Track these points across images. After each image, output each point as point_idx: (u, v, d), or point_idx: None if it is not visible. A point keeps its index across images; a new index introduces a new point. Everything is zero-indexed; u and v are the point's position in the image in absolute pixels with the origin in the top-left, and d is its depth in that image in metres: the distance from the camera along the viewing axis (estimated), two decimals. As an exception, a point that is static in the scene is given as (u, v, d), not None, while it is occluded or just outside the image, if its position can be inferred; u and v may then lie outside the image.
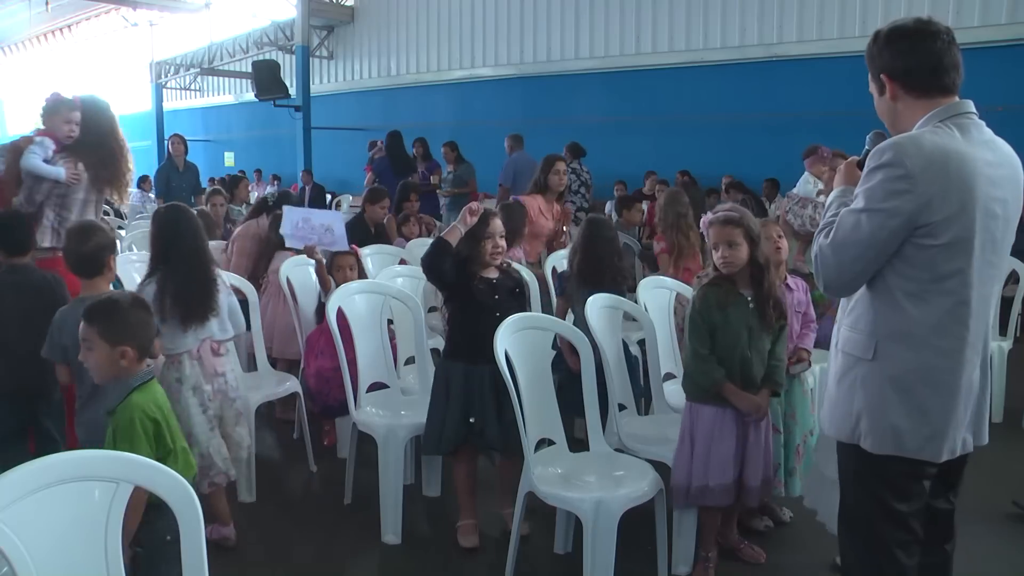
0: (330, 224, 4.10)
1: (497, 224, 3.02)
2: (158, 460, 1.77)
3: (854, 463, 1.97)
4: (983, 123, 1.88)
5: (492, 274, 3.03)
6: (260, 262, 4.61)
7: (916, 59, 1.88)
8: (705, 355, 2.70)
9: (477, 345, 2.86)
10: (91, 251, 2.73)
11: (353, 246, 4.15)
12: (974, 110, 1.88)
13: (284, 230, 4.14)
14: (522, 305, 3.11)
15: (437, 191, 8.49)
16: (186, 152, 8.80)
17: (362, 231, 5.66)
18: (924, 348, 1.83)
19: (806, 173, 5.82)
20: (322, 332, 3.70)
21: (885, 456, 1.88)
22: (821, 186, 5.40)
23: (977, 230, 1.79)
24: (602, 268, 3.58)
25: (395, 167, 8.33)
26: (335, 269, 3.92)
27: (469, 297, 2.98)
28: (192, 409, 2.93)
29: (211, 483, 2.94)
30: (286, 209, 4.28)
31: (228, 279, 3.96)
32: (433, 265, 2.97)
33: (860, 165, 2.05)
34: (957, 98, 1.89)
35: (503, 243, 3.05)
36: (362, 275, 4.02)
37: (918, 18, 1.94)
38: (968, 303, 1.82)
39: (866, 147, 2.07)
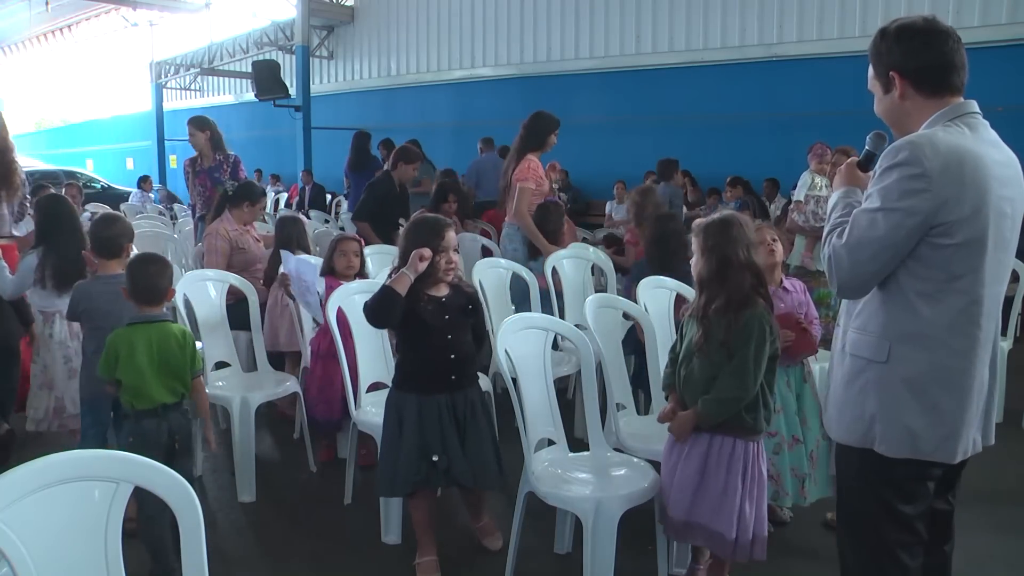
0: (307, 283, 3.78)
1: (451, 237, 2.74)
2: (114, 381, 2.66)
3: (859, 467, 1.94)
4: (987, 123, 1.88)
5: (442, 292, 2.75)
6: (272, 259, 4.56)
7: (929, 57, 1.86)
8: (671, 358, 2.62)
9: (429, 372, 2.71)
10: (111, 236, 3.23)
11: (356, 235, 4.08)
12: (979, 110, 1.88)
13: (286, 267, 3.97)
14: (478, 323, 2.86)
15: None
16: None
17: (386, 187, 5.68)
18: (938, 348, 1.82)
19: (805, 172, 5.83)
20: (325, 334, 3.66)
21: (893, 459, 1.86)
22: (819, 181, 5.42)
23: (990, 229, 1.79)
24: (674, 260, 3.79)
25: (353, 165, 8.35)
26: (338, 254, 3.72)
27: (416, 321, 2.68)
28: (57, 359, 3.59)
29: (61, 424, 3.60)
30: (284, 255, 4.05)
31: (229, 279, 3.99)
32: (379, 318, 2.69)
33: (861, 166, 2.05)
34: (962, 98, 1.88)
35: (457, 258, 2.77)
36: (364, 263, 3.88)
37: (925, 17, 1.91)
38: (980, 302, 1.82)
39: (866, 148, 2.07)
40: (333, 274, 3.70)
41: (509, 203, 4.83)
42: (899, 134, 1.94)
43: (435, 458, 2.66)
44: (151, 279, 2.74)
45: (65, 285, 3.45)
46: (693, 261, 2.51)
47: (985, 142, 1.83)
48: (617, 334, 3.31)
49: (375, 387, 3.41)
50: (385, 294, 2.63)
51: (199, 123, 5.80)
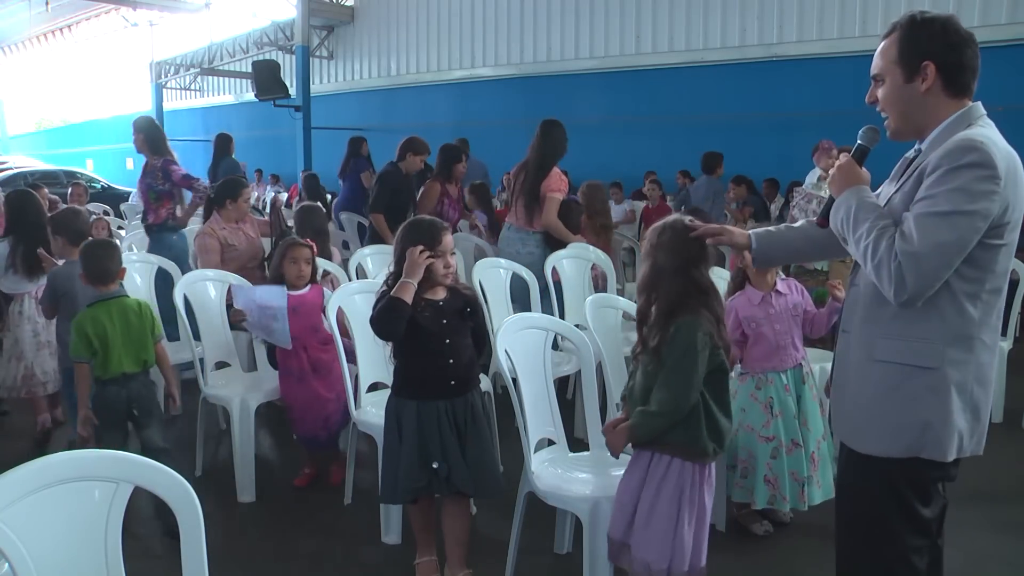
0: (275, 310, 3.45)
1: (448, 241, 2.66)
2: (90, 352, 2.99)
3: (880, 473, 1.88)
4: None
5: (439, 295, 2.67)
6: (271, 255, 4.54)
7: (967, 59, 1.83)
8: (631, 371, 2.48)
9: (427, 378, 2.64)
10: (78, 226, 3.81)
11: (308, 239, 3.75)
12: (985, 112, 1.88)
13: (237, 303, 3.65)
14: (478, 325, 2.77)
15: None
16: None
17: (396, 179, 5.67)
18: (980, 348, 1.82)
19: (813, 170, 5.84)
20: (294, 354, 3.47)
21: (914, 460, 1.83)
22: (815, 179, 5.44)
23: (1018, 226, 1.81)
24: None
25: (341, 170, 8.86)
26: (288, 261, 3.50)
27: (414, 327, 2.59)
28: (26, 333, 4.12)
29: (29, 391, 4.11)
30: (235, 288, 3.77)
31: (229, 279, 3.98)
32: (388, 330, 2.59)
33: (858, 161, 2.01)
34: (970, 102, 1.86)
35: (454, 261, 2.71)
36: (315, 271, 3.67)
37: (950, 15, 1.86)
38: (1003, 298, 1.85)
39: (859, 141, 2.01)
40: (281, 283, 3.53)
41: (538, 213, 4.89)
42: (899, 126, 1.88)
43: (435, 465, 2.60)
44: (102, 262, 3.09)
45: (33, 271, 4.05)
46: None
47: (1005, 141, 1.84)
48: (617, 334, 3.31)
49: (374, 387, 3.41)
50: (392, 304, 2.53)
51: (135, 124, 5.60)
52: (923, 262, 1.71)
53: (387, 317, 2.55)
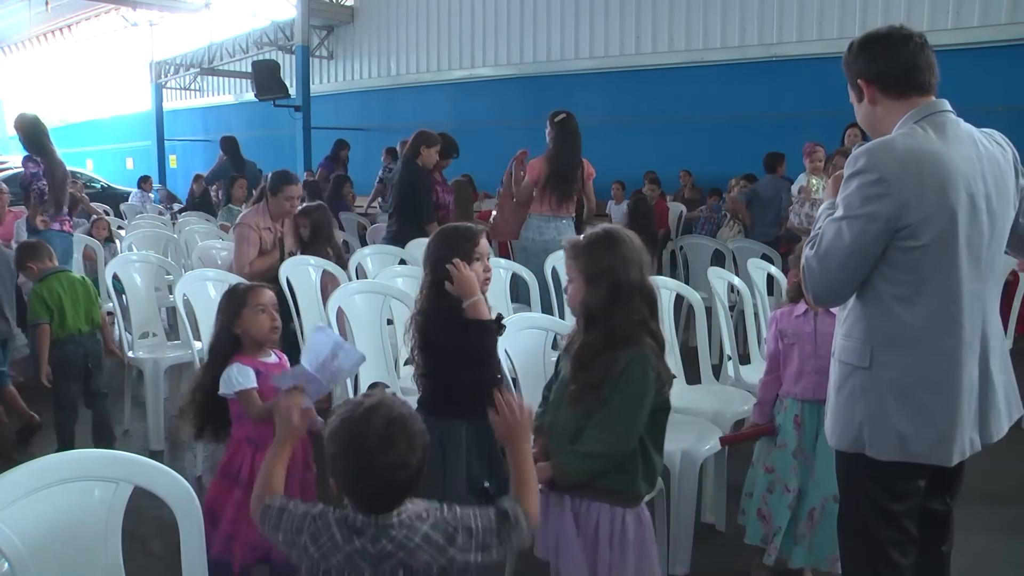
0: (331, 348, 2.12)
1: (485, 244, 2.45)
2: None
3: (848, 466, 1.97)
4: (960, 120, 1.89)
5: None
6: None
7: (890, 61, 1.91)
8: (543, 397, 2.28)
9: (482, 394, 2.26)
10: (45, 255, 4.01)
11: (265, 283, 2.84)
12: (949, 108, 1.89)
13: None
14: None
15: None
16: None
17: (413, 172, 5.67)
18: (920, 350, 1.82)
19: (802, 173, 5.85)
20: (241, 451, 2.40)
21: (862, 456, 1.89)
22: (815, 182, 5.45)
23: (960, 227, 1.78)
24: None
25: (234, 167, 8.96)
26: (252, 311, 2.47)
27: (465, 341, 2.32)
28: None
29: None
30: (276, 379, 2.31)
31: (229, 279, 3.98)
32: (487, 351, 2.36)
33: None
34: (933, 98, 1.90)
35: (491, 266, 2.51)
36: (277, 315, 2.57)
37: (891, 25, 1.97)
38: (959, 300, 1.81)
39: None
40: (244, 351, 2.44)
41: (567, 200, 5.23)
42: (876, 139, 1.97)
43: (486, 485, 2.22)
44: (34, 250, 3.89)
45: None
46: (571, 289, 2.10)
47: (952, 139, 1.83)
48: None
49: (373, 387, 3.41)
50: (483, 330, 2.30)
51: (14, 123, 5.43)
52: (820, 266, 1.86)
53: (490, 341, 2.36)
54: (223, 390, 2.35)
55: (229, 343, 2.45)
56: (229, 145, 9.47)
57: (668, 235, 8.91)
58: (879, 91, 1.93)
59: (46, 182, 5.22)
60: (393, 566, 1.45)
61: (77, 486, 1.49)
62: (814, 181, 5.52)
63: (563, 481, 2.04)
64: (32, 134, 5.38)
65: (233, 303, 2.47)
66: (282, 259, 4.30)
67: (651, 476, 2.09)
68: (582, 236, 2.13)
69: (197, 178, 10.89)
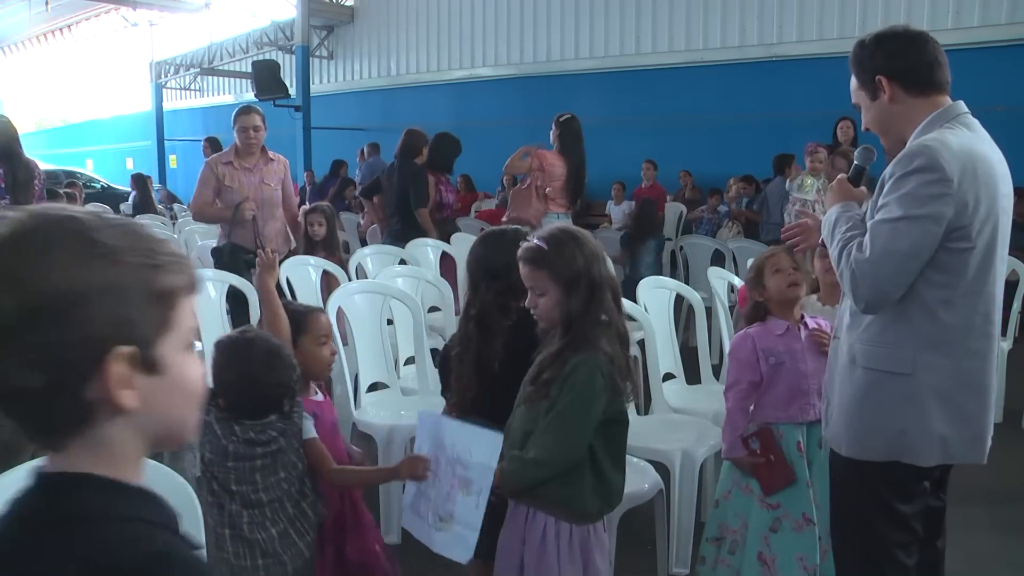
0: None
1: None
2: None
3: (857, 469, 1.91)
4: (978, 122, 1.89)
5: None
6: None
7: (916, 56, 1.87)
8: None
9: (511, 403, 2.06)
10: None
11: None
12: (968, 110, 1.89)
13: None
14: None
15: None
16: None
17: (412, 170, 5.72)
18: (960, 353, 1.81)
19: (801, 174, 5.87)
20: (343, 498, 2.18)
21: (889, 463, 1.85)
22: (809, 181, 5.50)
23: (999, 230, 1.80)
24: None
25: None
26: (313, 340, 2.19)
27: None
28: None
29: None
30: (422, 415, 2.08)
31: (228, 279, 3.98)
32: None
33: (852, 181, 2.04)
34: (949, 98, 1.89)
35: None
36: None
37: (902, 25, 1.96)
38: (993, 301, 1.83)
39: (855, 163, 2.08)
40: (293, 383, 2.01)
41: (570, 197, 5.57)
42: (890, 141, 1.94)
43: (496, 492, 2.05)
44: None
45: None
46: (542, 302, 1.89)
47: (985, 141, 1.84)
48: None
49: (374, 387, 3.41)
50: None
51: None
52: (876, 269, 1.74)
53: None
54: (304, 436, 2.03)
55: (284, 384, 1.98)
56: (214, 146, 9.43)
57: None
58: (901, 88, 1.87)
59: (5, 185, 5.21)
60: (273, 451, 1.92)
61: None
62: (808, 180, 5.54)
63: (506, 487, 1.89)
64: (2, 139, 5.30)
65: (294, 331, 2.13)
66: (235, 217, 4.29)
67: (606, 493, 1.90)
68: (537, 242, 1.89)
69: None
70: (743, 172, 9.11)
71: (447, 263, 5.26)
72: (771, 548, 2.38)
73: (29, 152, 5.67)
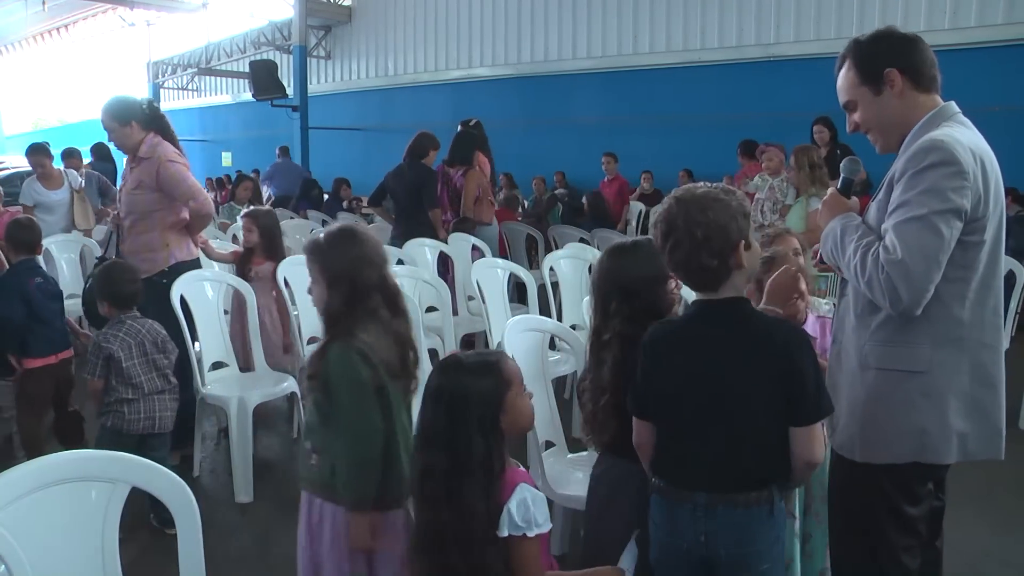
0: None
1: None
2: None
3: (865, 472, 1.88)
4: (970, 121, 1.90)
5: None
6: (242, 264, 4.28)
7: (920, 54, 1.89)
8: None
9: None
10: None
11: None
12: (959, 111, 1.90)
13: None
14: None
15: None
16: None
17: (422, 172, 5.94)
18: (974, 347, 1.80)
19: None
20: None
21: (905, 464, 1.83)
22: (756, 180, 5.63)
23: (1002, 224, 1.82)
24: None
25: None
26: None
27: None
28: None
29: None
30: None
31: (228, 279, 3.98)
32: None
33: (844, 193, 2.03)
34: (942, 100, 1.90)
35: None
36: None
37: (893, 27, 1.96)
38: (999, 294, 1.84)
39: (843, 175, 2.07)
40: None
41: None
42: (887, 139, 1.93)
43: (637, 532, 1.94)
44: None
45: None
46: (315, 290, 1.97)
47: (982, 139, 1.84)
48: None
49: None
50: None
51: None
52: (910, 269, 1.70)
53: None
54: (509, 530, 1.59)
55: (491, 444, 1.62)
56: (101, 151, 9.05)
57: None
58: (911, 83, 1.86)
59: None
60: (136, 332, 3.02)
61: (74, 486, 1.48)
62: (756, 180, 5.66)
63: (348, 504, 1.91)
64: None
65: (498, 385, 1.66)
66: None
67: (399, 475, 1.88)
68: (321, 235, 1.98)
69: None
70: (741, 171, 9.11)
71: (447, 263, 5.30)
72: None
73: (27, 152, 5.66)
